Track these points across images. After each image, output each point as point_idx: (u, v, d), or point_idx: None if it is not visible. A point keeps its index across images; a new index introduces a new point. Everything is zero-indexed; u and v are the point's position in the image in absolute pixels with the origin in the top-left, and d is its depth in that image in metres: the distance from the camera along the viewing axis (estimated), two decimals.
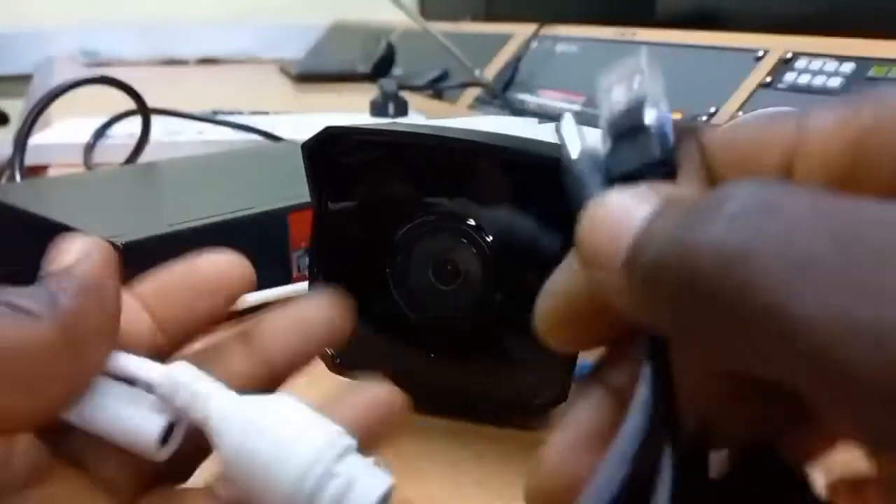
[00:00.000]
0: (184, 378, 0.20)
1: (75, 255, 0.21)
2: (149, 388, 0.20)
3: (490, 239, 0.32)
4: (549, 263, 0.33)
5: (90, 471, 0.21)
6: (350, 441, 0.20)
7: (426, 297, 0.33)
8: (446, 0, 1.76)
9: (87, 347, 0.20)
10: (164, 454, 0.20)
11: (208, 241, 0.42)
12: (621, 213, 0.16)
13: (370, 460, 0.20)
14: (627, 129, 0.18)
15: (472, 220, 0.32)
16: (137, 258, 0.39)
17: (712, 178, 0.17)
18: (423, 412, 0.35)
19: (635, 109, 0.18)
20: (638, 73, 0.18)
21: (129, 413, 0.20)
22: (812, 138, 0.16)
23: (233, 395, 0.20)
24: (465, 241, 0.32)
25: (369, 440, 0.21)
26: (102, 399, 0.20)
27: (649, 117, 0.17)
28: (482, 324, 0.33)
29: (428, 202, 0.33)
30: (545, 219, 0.32)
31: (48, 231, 0.43)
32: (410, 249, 0.33)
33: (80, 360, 0.19)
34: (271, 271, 0.45)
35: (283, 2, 2.22)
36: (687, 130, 0.18)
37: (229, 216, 0.43)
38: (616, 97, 0.18)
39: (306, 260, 0.46)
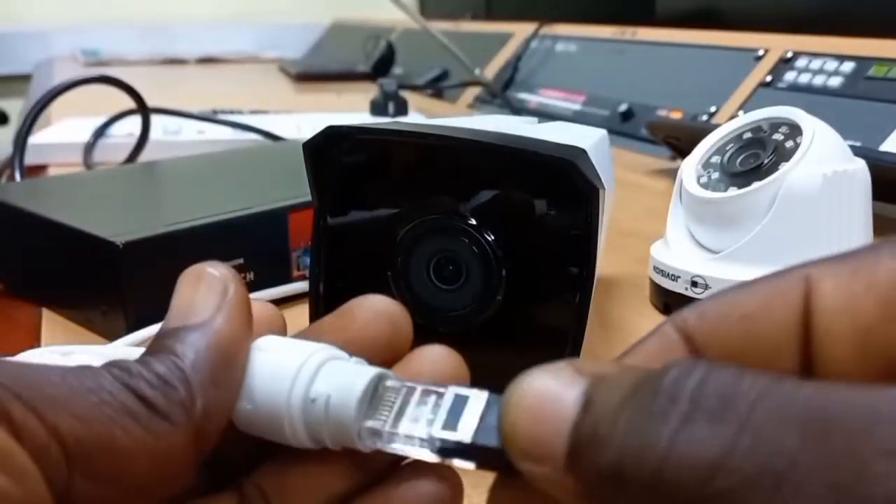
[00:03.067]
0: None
1: (213, 300, 0.20)
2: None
3: (491, 238, 0.32)
4: (550, 263, 0.34)
5: None
6: (326, 353, 0.20)
7: (427, 297, 0.33)
8: None
9: (215, 431, 0.19)
10: None
11: (208, 240, 0.43)
12: (550, 401, 0.15)
13: (352, 359, 0.20)
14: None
15: (472, 219, 0.32)
16: (137, 258, 0.39)
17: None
18: None
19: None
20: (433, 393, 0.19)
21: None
22: (830, 289, 0.15)
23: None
24: (465, 240, 0.32)
25: (377, 354, 0.21)
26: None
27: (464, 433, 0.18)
28: (483, 324, 0.33)
29: (429, 202, 0.33)
30: (546, 218, 0.32)
31: (48, 231, 0.43)
32: (411, 249, 0.33)
33: (207, 443, 0.19)
34: (271, 271, 0.45)
35: (283, 1, 2.22)
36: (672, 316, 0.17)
37: (229, 215, 0.43)
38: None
39: (306, 259, 0.46)
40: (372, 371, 0.20)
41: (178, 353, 0.18)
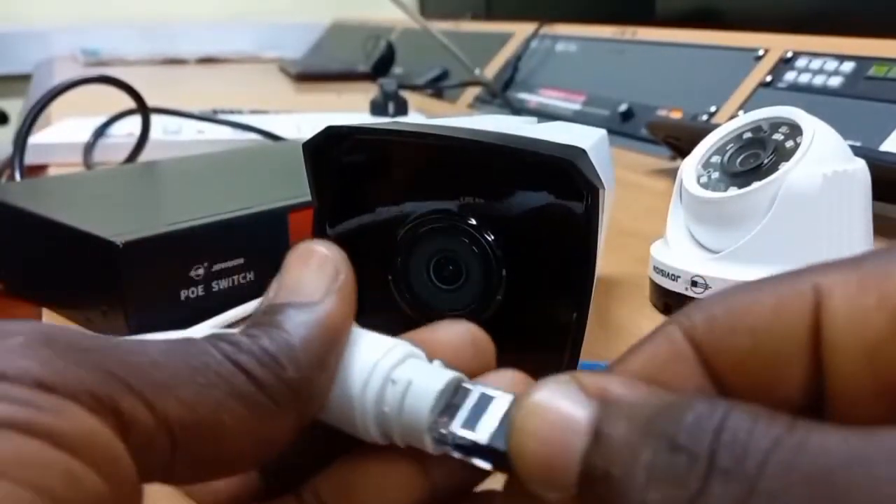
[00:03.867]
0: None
1: (324, 282, 0.19)
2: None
3: (491, 238, 0.32)
4: (550, 263, 0.34)
5: None
6: (410, 348, 0.20)
7: (427, 297, 0.33)
8: None
9: (312, 416, 0.18)
10: None
11: (208, 240, 0.43)
12: (558, 427, 0.15)
13: (434, 362, 0.19)
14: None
15: (472, 219, 0.32)
16: (137, 258, 0.39)
17: (713, 371, 0.16)
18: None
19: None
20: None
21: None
22: (839, 301, 0.15)
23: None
24: (466, 240, 0.32)
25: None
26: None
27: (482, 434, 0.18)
28: (483, 324, 0.33)
29: (428, 202, 0.33)
30: (546, 218, 0.32)
31: (48, 230, 0.43)
32: (411, 249, 0.33)
33: (305, 415, 0.18)
34: (271, 271, 0.45)
35: (283, 1, 2.22)
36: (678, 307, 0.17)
37: (229, 215, 0.43)
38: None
39: None
40: (453, 372, 0.19)
41: (288, 329, 0.18)
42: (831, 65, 0.76)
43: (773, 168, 0.40)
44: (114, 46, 1.94)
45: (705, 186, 0.42)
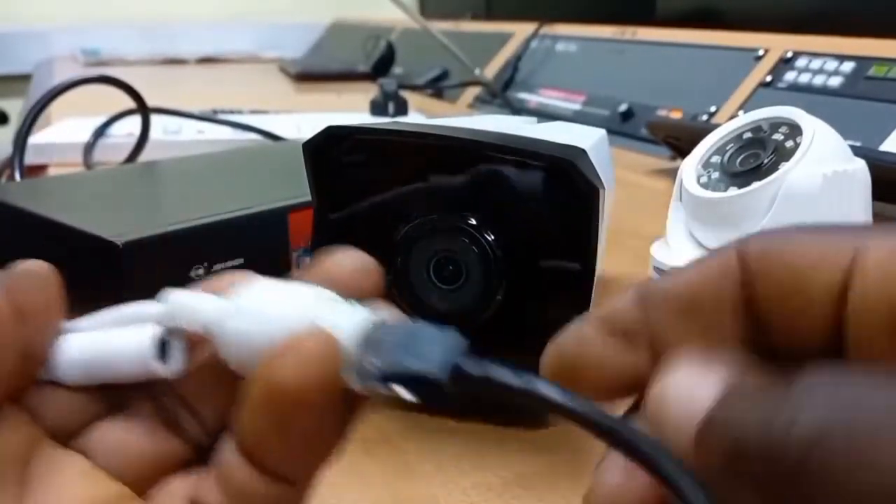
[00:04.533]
0: (176, 298, 0.20)
1: None
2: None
3: (491, 238, 0.32)
4: (550, 263, 0.34)
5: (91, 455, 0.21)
6: (328, 293, 0.20)
7: (427, 297, 0.33)
8: None
9: (35, 316, 0.20)
10: (169, 371, 0.20)
11: (208, 240, 0.43)
12: (693, 388, 0.16)
13: (350, 303, 0.20)
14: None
15: (472, 219, 0.32)
16: (137, 258, 0.39)
17: (751, 295, 0.18)
18: (423, 412, 0.35)
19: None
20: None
21: (115, 341, 0.21)
22: (872, 264, 0.16)
23: (223, 299, 0.20)
24: (466, 240, 0.32)
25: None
26: (84, 347, 0.21)
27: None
28: (483, 323, 0.33)
29: (428, 201, 0.33)
30: (546, 218, 0.32)
31: (48, 230, 0.43)
32: (411, 249, 0.33)
33: (29, 326, 0.20)
34: (271, 271, 0.45)
35: (283, 1, 2.22)
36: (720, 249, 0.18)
37: (229, 215, 0.43)
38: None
39: (306, 259, 0.46)
40: (367, 309, 0.19)
41: None
42: (831, 65, 0.76)
43: (773, 168, 0.40)
44: (114, 46, 1.94)
45: (705, 186, 0.42)
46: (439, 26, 1.32)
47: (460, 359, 0.18)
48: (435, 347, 0.18)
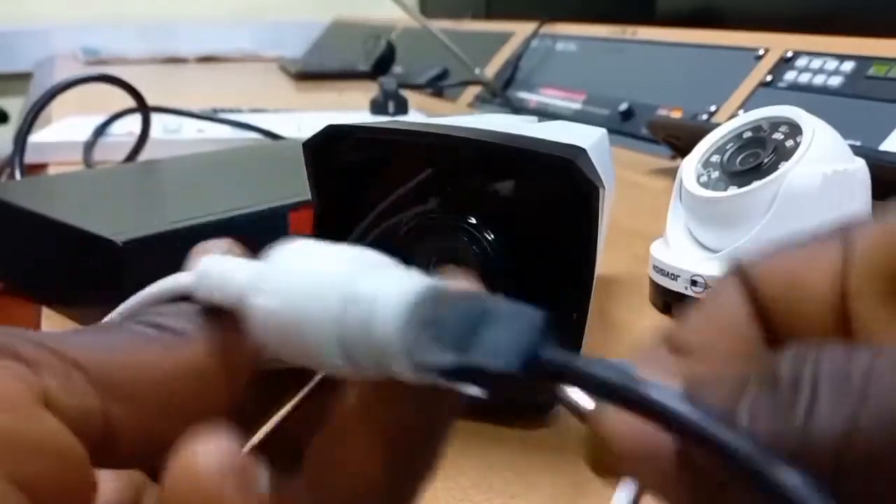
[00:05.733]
0: (209, 268, 0.19)
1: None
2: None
3: (491, 237, 0.32)
4: (550, 262, 0.34)
5: None
6: (373, 256, 0.17)
7: None
8: None
9: (244, 370, 0.18)
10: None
11: (208, 239, 0.43)
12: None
13: (400, 268, 0.17)
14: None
15: (472, 218, 0.32)
16: (137, 256, 0.39)
17: (759, 305, 0.17)
18: None
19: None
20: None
21: None
22: (860, 254, 0.16)
23: (256, 262, 0.18)
24: (466, 239, 0.32)
25: None
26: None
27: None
28: None
29: (429, 200, 0.33)
30: (546, 217, 0.32)
31: (48, 229, 0.43)
32: (411, 249, 0.33)
33: (236, 383, 0.17)
34: None
35: (283, 0, 2.22)
36: (732, 263, 0.18)
37: (229, 214, 0.43)
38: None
39: None
40: (425, 278, 0.16)
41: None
42: (831, 64, 0.76)
43: (772, 167, 0.40)
44: (114, 45, 1.94)
45: (705, 186, 0.42)
46: (439, 25, 1.32)
47: (541, 348, 0.15)
48: (509, 329, 0.15)
